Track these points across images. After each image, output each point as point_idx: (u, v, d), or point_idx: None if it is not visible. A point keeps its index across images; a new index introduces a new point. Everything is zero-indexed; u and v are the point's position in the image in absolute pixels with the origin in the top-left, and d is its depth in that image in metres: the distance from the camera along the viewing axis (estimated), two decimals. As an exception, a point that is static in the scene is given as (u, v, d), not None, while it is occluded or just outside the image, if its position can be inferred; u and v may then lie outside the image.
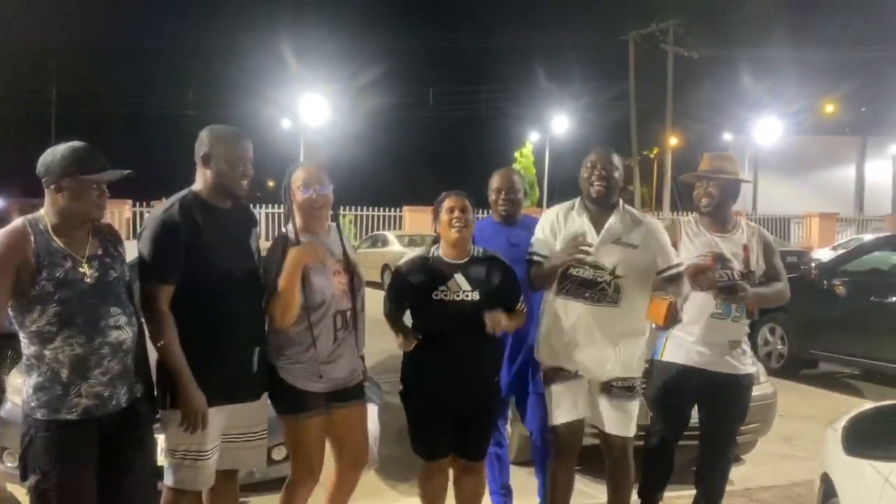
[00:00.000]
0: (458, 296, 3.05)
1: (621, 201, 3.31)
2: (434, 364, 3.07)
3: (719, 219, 3.50)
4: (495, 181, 3.68)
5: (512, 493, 3.80)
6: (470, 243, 3.17)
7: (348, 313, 3.00)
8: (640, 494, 3.59)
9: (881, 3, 29.72)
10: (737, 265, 3.38)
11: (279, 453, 3.81)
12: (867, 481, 1.93)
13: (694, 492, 3.63)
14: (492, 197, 3.69)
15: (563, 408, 3.21)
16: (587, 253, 3.06)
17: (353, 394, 3.08)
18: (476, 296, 3.06)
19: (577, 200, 3.31)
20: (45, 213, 2.46)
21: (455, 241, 3.11)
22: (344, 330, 2.98)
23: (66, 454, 2.37)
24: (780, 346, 8.22)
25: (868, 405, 2.00)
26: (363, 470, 3.22)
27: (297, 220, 2.98)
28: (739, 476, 3.71)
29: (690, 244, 3.40)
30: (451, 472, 3.32)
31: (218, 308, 2.72)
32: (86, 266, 2.45)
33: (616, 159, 3.28)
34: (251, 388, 2.85)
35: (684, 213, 22.10)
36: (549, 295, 3.26)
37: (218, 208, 2.79)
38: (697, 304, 3.34)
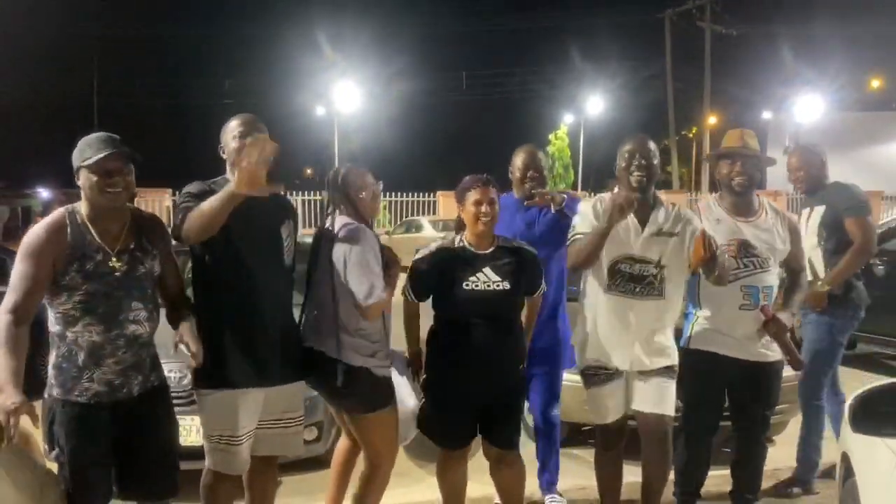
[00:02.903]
0: (488, 286, 3.07)
1: (655, 191, 3.24)
2: (460, 353, 3.10)
3: (746, 200, 3.38)
4: (520, 158, 3.68)
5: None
6: (493, 233, 3.18)
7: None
8: (677, 493, 3.55)
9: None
10: (761, 251, 3.30)
11: (310, 434, 3.93)
12: (880, 459, 1.93)
13: (725, 472, 3.61)
14: (516, 175, 3.69)
15: (608, 407, 3.21)
16: (631, 202, 3.00)
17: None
18: (507, 285, 3.08)
19: (615, 192, 3.23)
20: (82, 205, 2.57)
21: (480, 233, 3.13)
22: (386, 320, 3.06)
23: (75, 432, 2.48)
24: (817, 327, 8.07)
25: (879, 382, 1.99)
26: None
27: (362, 217, 3.02)
28: (769, 457, 3.68)
29: (713, 231, 3.23)
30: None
31: (243, 293, 2.80)
32: (115, 259, 2.53)
33: (653, 146, 3.20)
34: (283, 371, 2.90)
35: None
36: (595, 294, 3.21)
37: (250, 197, 2.84)
38: (725, 297, 3.28)
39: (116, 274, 2.52)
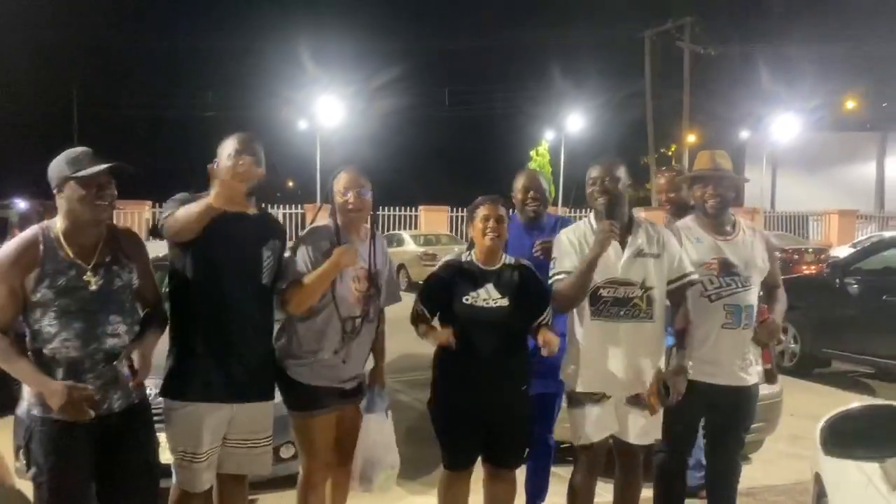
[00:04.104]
0: (487, 302, 3.09)
1: (631, 211, 3.24)
2: (463, 370, 3.10)
3: (721, 220, 3.41)
4: (521, 181, 3.70)
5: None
6: (502, 251, 3.20)
7: (358, 319, 3.07)
8: None
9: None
10: (742, 270, 3.32)
11: (287, 451, 3.89)
12: (852, 481, 1.96)
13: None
14: (518, 197, 3.71)
15: (594, 427, 3.16)
16: (615, 230, 3.00)
17: (357, 392, 3.17)
18: (506, 302, 3.10)
19: (589, 219, 3.23)
20: (58, 220, 2.55)
21: (487, 249, 3.15)
22: (351, 333, 3.05)
23: (56, 451, 2.45)
24: (792, 345, 8.20)
25: (853, 404, 2.03)
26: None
27: (339, 221, 3.07)
28: (745, 475, 3.71)
29: (693, 250, 3.28)
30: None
31: (215, 309, 2.80)
32: (90, 274, 2.52)
33: (621, 170, 3.16)
34: (251, 389, 2.90)
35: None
36: (580, 320, 3.17)
37: (233, 213, 2.81)
38: (706, 317, 3.27)
39: (91, 288, 2.51)
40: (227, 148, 2.86)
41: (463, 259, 3.23)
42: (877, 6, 29.91)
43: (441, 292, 3.16)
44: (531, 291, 3.15)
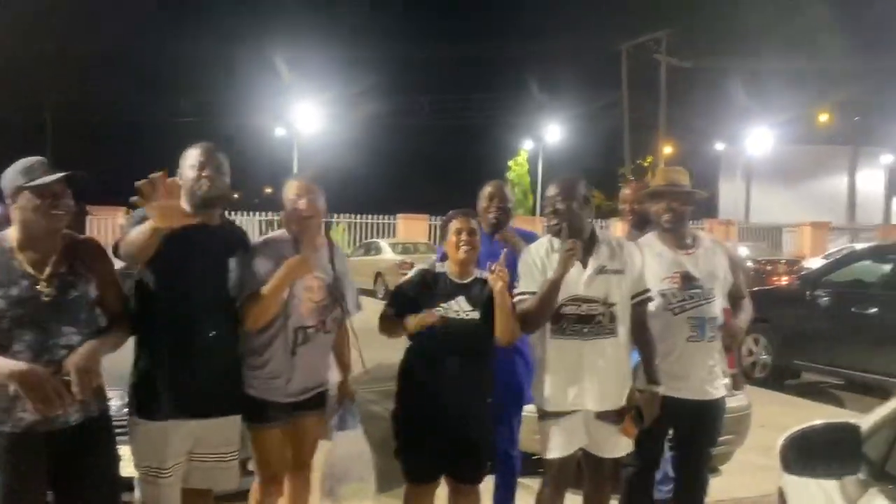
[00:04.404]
0: (458, 314, 3.09)
1: (594, 227, 3.22)
2: (430, 381, 3.10)
3: (680, 234, 3.44)
4: (487, 189, 3.75)
5: None
6: (474, 264, 3.20)
7: (310, 330, 3.04)
8: None
9: (875, 14, 29.93)
10: (704, 283, 3.35)
11: (254, 462, 3.85)
12: (812, 497, 1.97)
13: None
14: (482, 205, 3.74)
15: (561, 442, 3.13)
16: (575, 249, 2.99)
17: (314, 403, 3.14)
18: (476, 315, 3.10)
19: (550, 237, 3.19)
20: (12, 230, 2.51)
21: (461, 261, 3.15)
22: (303, 345, 3.02)
23: (8, 466, 2.40)
24: (763, 357, 8.28)
25: (813, 422, 2.05)
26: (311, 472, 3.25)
27: (292, 230, 3.05)
28: (714, 487, 3.73)
29: (656, 265, 3.30)
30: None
31: (185, 324, 2.76)
32: (44, 284, 2.47)
33: (577, 188, 3.13)
34: (217, 404, 2.87)
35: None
36: (543, 341, 3.15)
37: (199, 224, 2.79)
38: (670, 331, 3.28)
39: (45, 299, 2.46)
40: (189, 159, 2.83)
41: (437, 269, 3.23)
42: (849, 22, 30.51)
43: (412, 299, 3.16)
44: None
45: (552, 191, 3.15)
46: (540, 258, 3.14)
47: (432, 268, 3.24)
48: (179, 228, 2.61)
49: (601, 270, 3.12)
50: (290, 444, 3.15)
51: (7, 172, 2.50)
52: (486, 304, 3.11)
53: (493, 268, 3.02)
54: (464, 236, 3.13)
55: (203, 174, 2.79)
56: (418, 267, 3.31)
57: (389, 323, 3.16)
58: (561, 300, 3.07)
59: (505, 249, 3.40)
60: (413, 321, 3.04)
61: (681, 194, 3.46)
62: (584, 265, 3.11)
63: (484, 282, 3.16)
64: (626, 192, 4.09)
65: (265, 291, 2.87)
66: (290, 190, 3.07)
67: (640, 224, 3.98)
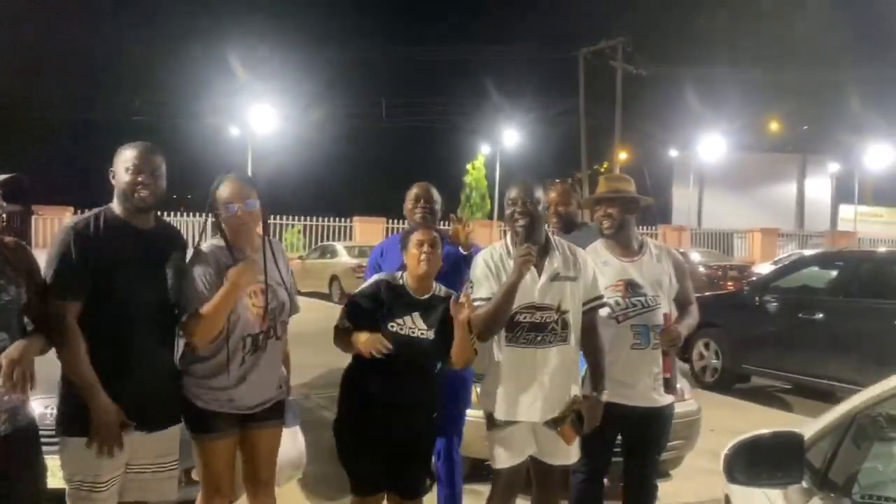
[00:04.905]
0: (413, 332, 3.02)
1: (550, 234, 3.21)
2: (377, 393, 3.02)
3: (623, 241, 3.45)
4: (413, 191, 3.77)
5: None
6: (433, 279, 3.13)
7: (260, 337, 2.92)
8: None
9: (824, 26, 30.77)
10: (648, 290, 3.36)
11: (198, 474, 3.74)
12: (757, 505, 1.98)
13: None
14: (408, 206, 3.76)
15: (510, 452, 3.10)
16: (533, 254, 2.96)
17: (268, 415, 3.02)
18: (431, 335, 3.03)
19: (505, 242, 3.18)
20: None
21: (422, 275, 3.07)
22: (252, 354, 2.90)
23: None
24: (714, 361, 8.40)
25: (757, 432, 2.05)
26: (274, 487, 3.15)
27: (228, 234, 2.90)
28: (665, 491, 3.74)
29: (600, 273, 3.28)
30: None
31: (121, 333, 2.65)
32: None
33: (538, 193, 3.12)
34: (156, 417, 2.76)
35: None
36: (497, 346, 3.11)
37: (133, 226, 2.71)
38: (615, 339, 3.28)
39: None
40: (124, 160, 2.70)
41: (396, 280, 3.14)
42: (800, 33, 31.30)
43: (368, 311, 3.07)
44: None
45: (515, 192, 3.10)
46: (495, 263, 3.10)
47: (391, 279, 3.14)
48: (112, 235, 2.55)
49: (555, 277, 3.09)
50: (243, 457, 3.03)
51: None
52: (442, 323, 3.04)
53: (459, 298, 2.94)
54: (425, 248, 3.04)
55: (139, 179, 2.67)
56: (377, 276, 3.21)
57: (344, 336, 3.06)
58: (515, 308, 3.03)
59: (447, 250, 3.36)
60: (362, 342, 2.95)
61: (620, 200, 3.47)
62: (539, 272, 3.09)
63: (442, 299, 3.10)
64: (551, 194, 4.07)
65: (208, 309, 2.73)
66: (224, 192, 2.89)
67: (567, 227, 4.03)
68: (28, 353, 2.38)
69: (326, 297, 17.24)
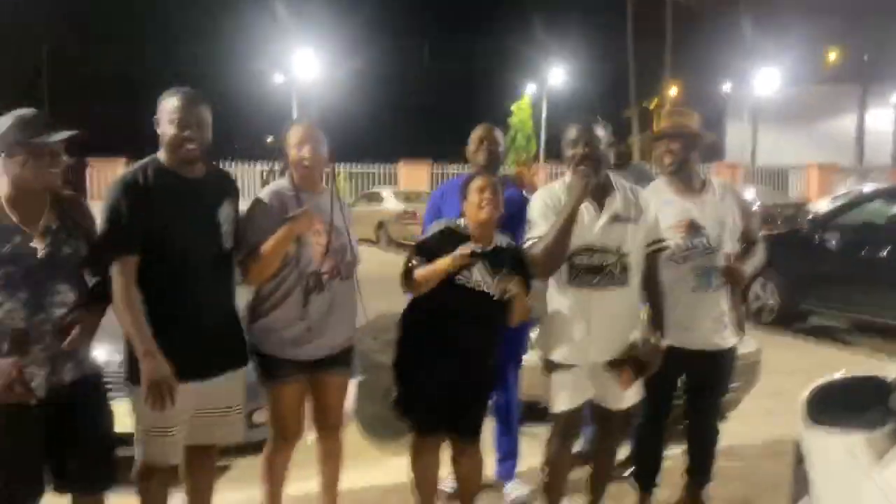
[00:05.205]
0: (479, 286, 2.96)
1: (609, 174, 3.08)
2: (438, 338, 3.01)
3: (685, 179, 3.32)
4: (477, 132, 3.68)
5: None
6: (495, 228, 3.06)
7: (324, 277, 2.94)
8: (635, 481, 3.52)
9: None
10: (710, 230, 3.24)
11: (260, 416, 3.80)
12: (832, 452, 1.91)
13: (680, 449, 3.58)
14: (471, 148, 3.67)
15: (571, 394, 3.07)
16: (589, 179, 2.88)
17: (337, 361, 3.05)
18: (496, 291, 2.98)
19: (564, 181, 3.07)
20: (0, 184, 2.40)
21: (484, 221, 2.99)
22: (318, 293, 2.92)
23: (3, 428, 2.34)
24: (771, 301, 8.23)
25: (835, 375, 1.97)
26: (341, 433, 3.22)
27: (294, 177, 2.95)
28: (723, 433, 3.68)
29: (661, 213, 3.15)
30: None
31: (177, 283, 2.66)
32: (38, 240, 2.39)
33: (601, 131, 3.01)
34: (219, 363, 2.79)
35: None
36: (556, 288, 3.05)
37: (183, 177, 2.69)
38: (675, 281, 3.18)
39: (39, 255, 2.38)
40: (168, 111, 2.66)
41: (459, 229, 3.05)
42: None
43: (436, 256, 2.97)
44: (521, 275, 3.00)
45: (577, 132, 2.99)
46: (553, 203, 3.00)
47: (454, 227, 3.07)
48: (161, 185, 2.57)
49: (616, 219, 3.00)
50: (312, 403, 3.08)
51: (0, 125, 2.37)
52: (507, 278, 2.97)
53: (507, 287, 2.90)
54: (486, 194, 2.96)
55: (185, 134, 2.64)
56: (439, 223, 3.14)
57: (416, 276, 2.95)
58: (573, 249, 2.96)
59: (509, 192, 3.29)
60: (448, 263, 2.89)
61: (681, 136, 3.33)
62: (599, 214, 3.00)
63: (506, 250, 3.03)
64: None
65: (266, 249, 2.78)
66: (293, 136, 2.96)
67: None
68: (97, 322, 2.51)
69: (374, 243, 17.33)
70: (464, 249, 2.88)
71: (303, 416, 3.12)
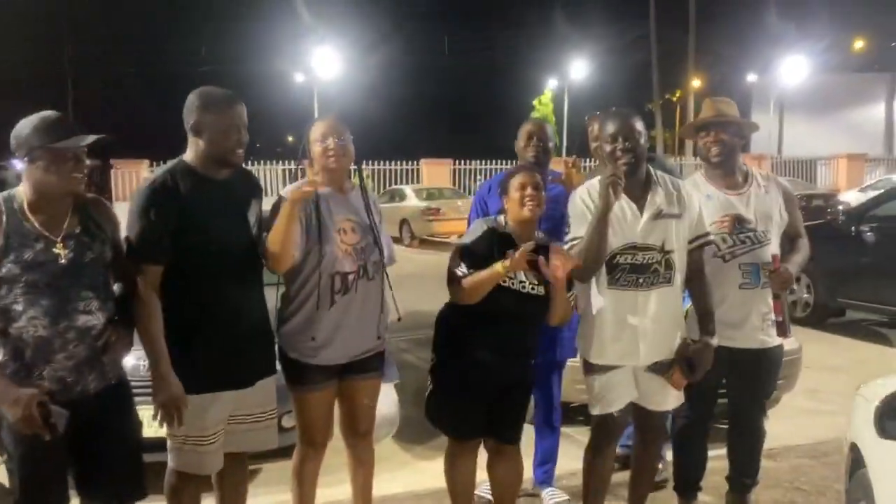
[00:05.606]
0: (523, 287, 2.87)
1: (650, 168, 2.96)
2: (478, 342, 2.91)
3: (728, 172, 3.18)
4: (527, 128, 3.59)
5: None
6: (537, 225, 2.97)
7: (350, 277, 2.82)
8: (676, 488, 3.42)
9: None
10: (757, 225, 3.11)
11: (289, 421, 3.74)
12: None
13: (723, 451, 3.45)
14: (520, 143, 3.58)
15: (613, 396, 2.96)
16: (617, 177, 2.75)
17: (367, 366, 2.96)
18: (542, 290, 2.88)
19: (599, 179, 2.92)
20: (22, 189, 2.34)
21: (525, 219, 2.89)
22: (343, 295, 2.81)
23: (26, 437, 2.26)
24: (805, 295, 8.04)
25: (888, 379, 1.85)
26: (373, 439, 3.14)
27: (320, 175, 2.82)
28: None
29: (704, 208, 3.03)
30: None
31: (212, 289, 2.58)
32: (60, 246, 2.32)
33: (639, 125, 2.89)
34: (254, 370, 2.73)
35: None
36: (597, 289, 2.94)
37: (212, 179, 2.61)
38: (721, 278, 3.06)
39: (61, 262, 2.32)
40: (221, 122, 2.57)
41: (501, 227, 2.95)
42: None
43: (481, 260, 2.87)
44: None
45: (615, 126, 2.87)
46: (592, 201, 2.88)
47: (497, 226, 2.96)
48: (190, 188, 2.50)
49: (659, 215, 2.87)
50: (341, 409, 3.00)
51: (23, 127, 2.31)
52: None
53: (555, 260, 2.77)
54: (529, 191, 2.86)
55: (239, 141, 2.60)
56: (482, 223, 3.03)
57: (465, 283, 2.84)
58: (616, 248, 2.85)
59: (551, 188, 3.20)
60: (498, 269, 2.77)
61: (730, 125, 3.19)
62: (641, 210, 2.88)
63: (547, 249, 2.88)
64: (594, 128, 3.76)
65: (277, 224, 2.64)
66: (315, 131, 2.85)
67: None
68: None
69: (397, 241, 17.31)
70: (520, 257, 2.74)
71: (332, 422, 3.04)
